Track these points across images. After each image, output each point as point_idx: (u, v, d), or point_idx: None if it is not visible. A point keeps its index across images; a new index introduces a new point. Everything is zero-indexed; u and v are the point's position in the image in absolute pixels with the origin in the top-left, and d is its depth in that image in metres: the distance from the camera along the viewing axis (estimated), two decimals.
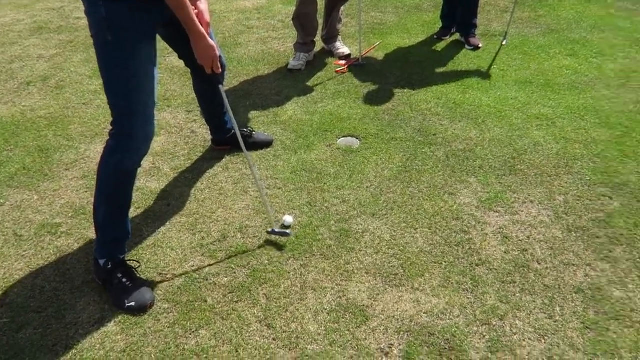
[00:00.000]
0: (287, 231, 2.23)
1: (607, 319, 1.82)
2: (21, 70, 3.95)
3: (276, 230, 2.23)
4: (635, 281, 1.95)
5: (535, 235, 2.17)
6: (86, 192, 2.58)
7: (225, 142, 2.81)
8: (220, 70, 2.11)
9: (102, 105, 3.39)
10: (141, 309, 1.92)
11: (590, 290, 1.93)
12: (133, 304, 1.92)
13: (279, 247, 2.18)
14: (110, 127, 1.93)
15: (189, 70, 2.51)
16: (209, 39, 1.96)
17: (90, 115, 3.28)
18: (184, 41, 1.96)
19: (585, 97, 3.21)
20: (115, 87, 1.85)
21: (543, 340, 1.76)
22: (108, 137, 1.94)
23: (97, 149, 2.92)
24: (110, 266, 2.00)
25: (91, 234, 2.30)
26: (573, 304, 1.88)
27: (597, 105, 3.11)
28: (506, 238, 2.17)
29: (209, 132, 2.86)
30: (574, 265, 2.04)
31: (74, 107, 3.38)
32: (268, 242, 2.22)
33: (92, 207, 2.03)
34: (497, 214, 2.30)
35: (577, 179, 2.49)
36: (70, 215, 2.44)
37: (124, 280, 1.98)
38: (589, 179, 2.49)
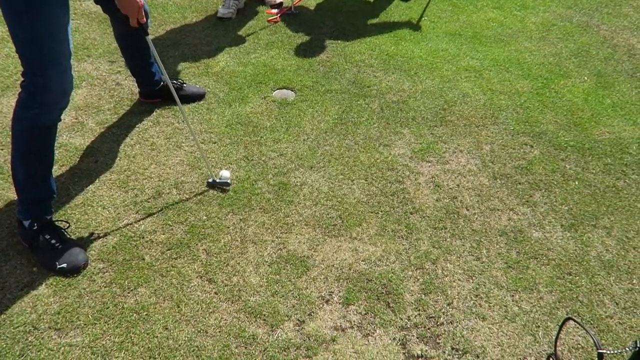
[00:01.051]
0: (228, 181, 2.20)
1: (527, 258, 1.99)
2: None
3: (217, 180, 2.20)
4: (552, 223, 2.13)
5: (464, 183, 2.29)
6: (1, 149, 2.38)
7: (155, 94, 2.68)
8: (145, 19, 1.98)
9: (11, 54, 3.08)
10: (73, 270, 1.85)
11: (512, 233, 2.08)
12: (64, 265, 1.84)
13: (217, 203, 2.16)
14: (21, 79, 1.77)
15: (109, 17, 2.33)
16: None
17: None
18: None
19: (509, 49, 3.35)
20: (22, 34, 1.67)
21: (471, 280, 1.89)
22: (20, 90, 1.78)
23: (9, 103, 2.68)
24: (36, 227, 1.89)
25: (11, 194, 2.14)
26: (497, 246, 2.03)
27: (520, 58, 3.25)
28: (438, 187, 2.27)
29: (136, 85, 2.71)
30: (498, 210, 2.18)
31: None
32: (205, 198, 2.18)
33: (10, 166, 1.88)
34: (429, 164, 2.40)
35: (502, 129, 2.63)
36: None
37: (53, 241, 1.88)
38: (512, 128, 2.64)
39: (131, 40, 2.42)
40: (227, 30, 3.45)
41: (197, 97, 2.76)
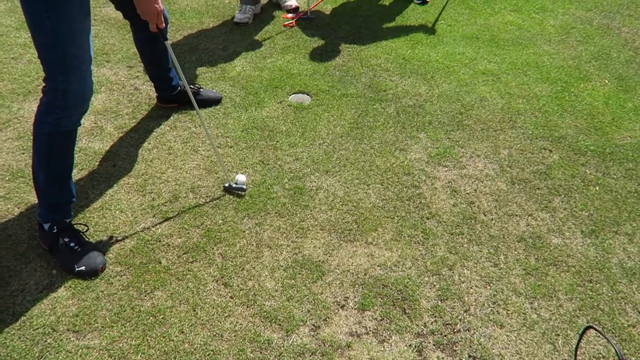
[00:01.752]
0: (243, 186, 2.21)
1: (546, 264, 1.95)
2: None
3: (233, 185, 2.21)
4: (571, 229, 2.09)
5: (482, 188, 2.27)
6: (23, 153, 2.43)
7: (172, 99, 2.71)
8: (164, 25, 2.00)
9: (33, 60, 3.15)
10: (92, 273, 1.87)
11: (531, 239, 2.05)
12: (83, 268, 1.86)
13: (233, 207, 2.17)
14: (42, 84, 1.80)
15: (128, 23, 2.36)
16: None
17: (21, 70, 3.05)
18: None
19: (528, 52, 3.31)
20: (44, 40, 1.70)
21: (489, 287, 1.87)
22: (41, 95, 1.81)
23: (31, 108, 2.73)
24: (55, 230, 1.92)
25: (32, 197, 2.18)
26: (516, 252, 2.00)
27: (539, 61, 3.21)
28: (454, 191, 2.25)
29: (154, 90, 2.74)
30: (517, 215, 2.15)
31: (1, 62, 3.12)
32: (221, 202, 2.19)
33: (31, 170, 1.92)
34: (446, 169, 2.37)
35: (520, 133, 2.60)
36: (7, 178, 2.29)
37: (72, 244, 1.91)
38: (531, 132, 2.60)
39: (150, 45, 2.45)
40: (244, 35, 3.47)
41: (214, 101, 2.78)
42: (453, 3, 3.95)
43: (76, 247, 1.90)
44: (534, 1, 4.00)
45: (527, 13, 3.83)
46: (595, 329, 1.18)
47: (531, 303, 1.81)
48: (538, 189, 2.27)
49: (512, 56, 3.26)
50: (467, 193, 2.24)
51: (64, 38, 1.70)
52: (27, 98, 2.81)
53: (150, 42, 2.41)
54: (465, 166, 2.39)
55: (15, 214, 2.12)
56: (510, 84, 2.98)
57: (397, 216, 2.14)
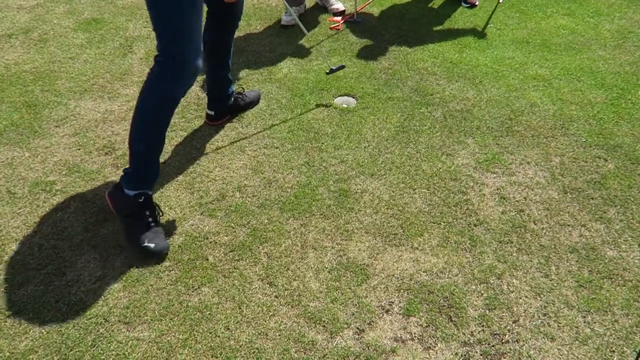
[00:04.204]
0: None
1: (601, 277, 1.88)
2: (0, 22, 3.78)
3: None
4: (628, 241, 2.01)
5: (532, 196, 2.20)
6: (79, 149, 2.52)
7: (225, 110, 2.68)
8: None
9: (89, 60, 3.27)
10: (157, 253, 1.94)
11: (584, 250, 1.98)
12: (152, 245, 1.92)
13: (279, 207, 2.19)
14: (155, 54, 1.89)
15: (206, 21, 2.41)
16: None
17: (78, 70, 3.17)
18: None
19: (581, 57, 3.20)
20: (165, 9, 1.79)
21: (539, 298, 1.81)
22: (153, 65, 1.89)
23: (87, 105, 2.84)
24: (141, 200, 1.97)
25: (87, 192, 2.27)
26: (568, 263, 1.93)
27: (593, 66, 3.10)
28: (503, 199, 2.20)
29: (201, 90, 2.79)
30: (569, 225, 2.08)
31: (60, 62, 3.27)
32: (267, 202, 2.21)
33: (128, 139, 1.98)
34: (495, 175, 2.32)
35: (572, 141, 2.51)
36: (64, 173, 2.39)
37: (149, 219, 1.97)
38: (584, 140, 2.52)
39: (219, 43, 2.47)
40: (290, 37, 3.50)
41: (257, 100, 2.81)
42: (503, 7, 3.87)
43: (152, 223, 1.97)
44: (588, 5, 3.87)
45: (580, 17, 3.71)
46: None
47: (584, 317, 1.75)
48: (592, 198, 2.19)
49: (564, 61, 3.17)
50: (517, 201, 2.19)
51: (185, 9, 1.79)
52: (83, 96, 2.93)
53: (221, 41, 2.44)
54: (514, 173, 2.33)
55: (71, 206, 2.21)
56: (563, 90, 2.89)
57: (444, 222, 2.10)
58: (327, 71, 2.89)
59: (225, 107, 2.68)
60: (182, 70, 1.86)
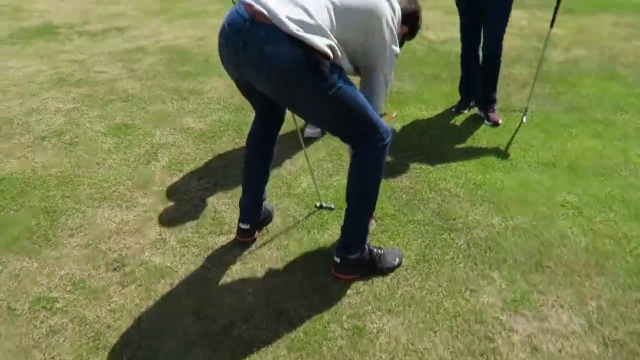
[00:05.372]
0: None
1: None
2: (37, 124, 3.93)
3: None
4: None
5: (568, 349, 1.99)
6: (87, 263, 2.45)
7: (258, 225, 2.61)
8: None
9: (113, 166, 3.32)
10: (401, 261, 2.43)
11: None
12: (397, 260, 2.40)
13: (286, 345, 2.02)
14: (349, 148, 2.25)
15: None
16: None
17: (101, 176, 3.20)
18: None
19: (612, 184, 3.08)
20: (360, 109, 2.04)
21: None
22: (361, 147, 2.14)
23: (104, 214, 2.82)
24: (369, 248, 2.33)
25: (87, 312, 2.16)
26: None
27: (625, 195, 2.97)
28: (535, 350, 1.98)
29: (216, 199, 2.75)
30: None
31: (85, 166, 3.32)
32: (274, 336, 2.05)
33: (353, 215, 2.26)
34: (525, 319, 2.13)
35: (609, 281, 2.32)
36: (68, 289, 2.30)
37: (376, 249, 2.36)
38: (622, 280, 2.32)
39: (270, 146, 2.54)
40: (312, 149, 3.51)
41: (271, 216, 2.75)
42: (527, 126, 3.86)
43: (380, 250, 2.37)
44: (615, 127, 3.83)
45: (608, 139, 3.64)
46: None
47: None
48: (637, 354, 1.96)
49: (594, 187, 3.05)
50: (551, 353, 1.97)
51: (356, 94, 2.04)
52: (101, 204, 2.92)
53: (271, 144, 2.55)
54: (546, 317, 2.13)
55: (68, 329, 2.09)
56: (594, 220, 2.75)
57: None
58: (317, 204, 2.84)
59: (258, 222, 2.61)
60: (388, 137, 2.14)
